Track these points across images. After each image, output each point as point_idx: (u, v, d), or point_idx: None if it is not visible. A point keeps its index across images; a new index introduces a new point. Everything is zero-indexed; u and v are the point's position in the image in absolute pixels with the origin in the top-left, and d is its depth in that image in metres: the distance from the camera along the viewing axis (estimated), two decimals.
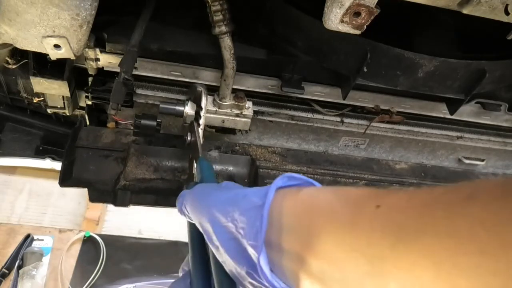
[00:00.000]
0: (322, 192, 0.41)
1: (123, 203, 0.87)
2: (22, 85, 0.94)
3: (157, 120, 0.82)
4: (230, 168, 0.99)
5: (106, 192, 0.89)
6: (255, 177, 1.00)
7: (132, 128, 0.89)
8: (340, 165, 1.09)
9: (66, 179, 0.89)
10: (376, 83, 0.89)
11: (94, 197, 0.88)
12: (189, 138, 0.82)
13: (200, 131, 0.81)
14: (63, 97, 0.91)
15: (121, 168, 0.93)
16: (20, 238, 1.72)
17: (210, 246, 0.47)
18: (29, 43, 0.68)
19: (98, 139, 0.96)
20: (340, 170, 1.07)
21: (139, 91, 0.91)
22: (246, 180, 0.98)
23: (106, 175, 0.91)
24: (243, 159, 1.00)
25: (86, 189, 0.88)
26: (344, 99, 0.91)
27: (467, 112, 1.04)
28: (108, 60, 0.85)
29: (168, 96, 0.92)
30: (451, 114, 0.94)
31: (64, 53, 0.70)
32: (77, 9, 0.63)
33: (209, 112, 0.86)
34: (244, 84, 0.93)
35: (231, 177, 0.98)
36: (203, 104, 0.82)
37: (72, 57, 0.71)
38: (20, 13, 0.62)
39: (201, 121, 0.82)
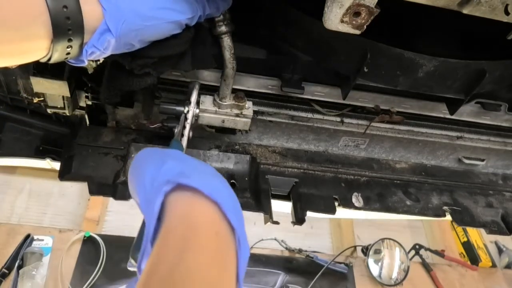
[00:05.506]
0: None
1: (123, 197, 0.87)
2: (22, 85, 0.94)
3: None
4: (231, 167, 0.99)
5: (106, 186, 0.89)
6: (256, 174, 1.00)
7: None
8: (341, 164, 1.09)
9: (66, 173, 0.89)
10: (376, 83, 0.89)
11: (94, 190, 0.87)
12: (176, 130, 0.82)
13: (187, 124, 0.82)
14: (63, 97, 0.90)
15: (121, 165, 0.93)
16: (20, 238, 1.72)
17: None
18: None
19: (98, 138, 0.97)
20: (341, 168, 1.08)
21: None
22: (246, 179, 0.98)
23: (106, 171, 0.91)
24: (243, 158, 1.00)
25: (86, 190, 0.88)
26: (344, 99, 0.91)
27: (467, 112, 1.04)
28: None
29: (168, 96, 0.92)
30: (451, 114, 0.94)
31: None
32: None
33: (209, 112, 0.86)
34: (244, 84, 0.93)
35: (231, 176, 0.98)
36: (192, 98, 0.83)
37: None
38: None
39: (189, 115, 0.83)
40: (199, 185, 0.47)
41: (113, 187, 0.89)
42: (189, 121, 0.83)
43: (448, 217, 1.08)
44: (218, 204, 0.47)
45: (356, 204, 1.01)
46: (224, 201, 0.47)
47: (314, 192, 1.00)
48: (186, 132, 0.83)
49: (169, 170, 0.50)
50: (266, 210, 0.92)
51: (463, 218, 1.08)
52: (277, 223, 0.90)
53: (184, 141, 0.82)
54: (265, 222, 0.93)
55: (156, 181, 0.49)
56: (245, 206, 0.93)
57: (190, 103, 0.83)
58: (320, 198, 0.99)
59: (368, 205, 1.02)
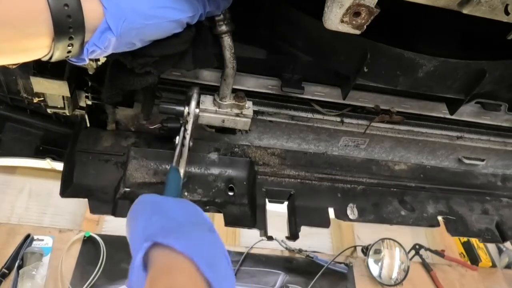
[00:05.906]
0: None
1: (123, 214, 0.87)
2: (22, 85, 0.94)
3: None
4: (229, 171, 0.99)
5: (106, 203, 0.89)
6: (253, 182, 0.99)
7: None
8: (339, 167, 1.09)
9: (67, 188, 0.89)
10: (376, 83, 0.89)
11: (95, 209, 0.88)
12: (176, 142, 0.83)
13: (187, 136, 0.82)
14: (63, 97, 0.90)
15: (121, 172, 0.93)
16: (20, 238, 1.71)
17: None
18: None
19: (98, 142, 0.96)
20: (339, 173, 1.07)
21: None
22: (245, 183, 0.98)
23: (106, 181, 0.91)
24: (242, 162, 1.00)
25: None
26: (344, 99, 0.91)
27: (467, 112, 1.04)
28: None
29: (168, 96, 0.92)
30: (451, 114, 0.94)
31: None
32: None
33: (209, 112, 0.86)
34: (244, 84, 0.93)
35: (230, 180, 0.98)
36: (191, 109, 0.82)
37: None
38: None
39: (188, 126, 0.82)
40: (174, 243, 0.53)
41: (113, 203, 0.89)
42: (188, 131, 0.82)
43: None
44: (193, 261, 0.52)
45: (351, 217, 1.02)
46: (199, 256, 0.52)
47: (309, 204, 1.00)
48: (186, 142, 0.82)
49: (152, 226, 0.58)
50: (261, 226, 0.93)
51: (457, 227, 1.08)
52: (271, 238, 0.92)
53: (185, 152, 0.82)
54: (260, 236, 0.93)
55: (142, 235, 0.57)
56: (242, 220, 0.94)
57: (189, 114, 0.82)
58: (315, 211, 1.00)
59: (362, 217, 1.03)
